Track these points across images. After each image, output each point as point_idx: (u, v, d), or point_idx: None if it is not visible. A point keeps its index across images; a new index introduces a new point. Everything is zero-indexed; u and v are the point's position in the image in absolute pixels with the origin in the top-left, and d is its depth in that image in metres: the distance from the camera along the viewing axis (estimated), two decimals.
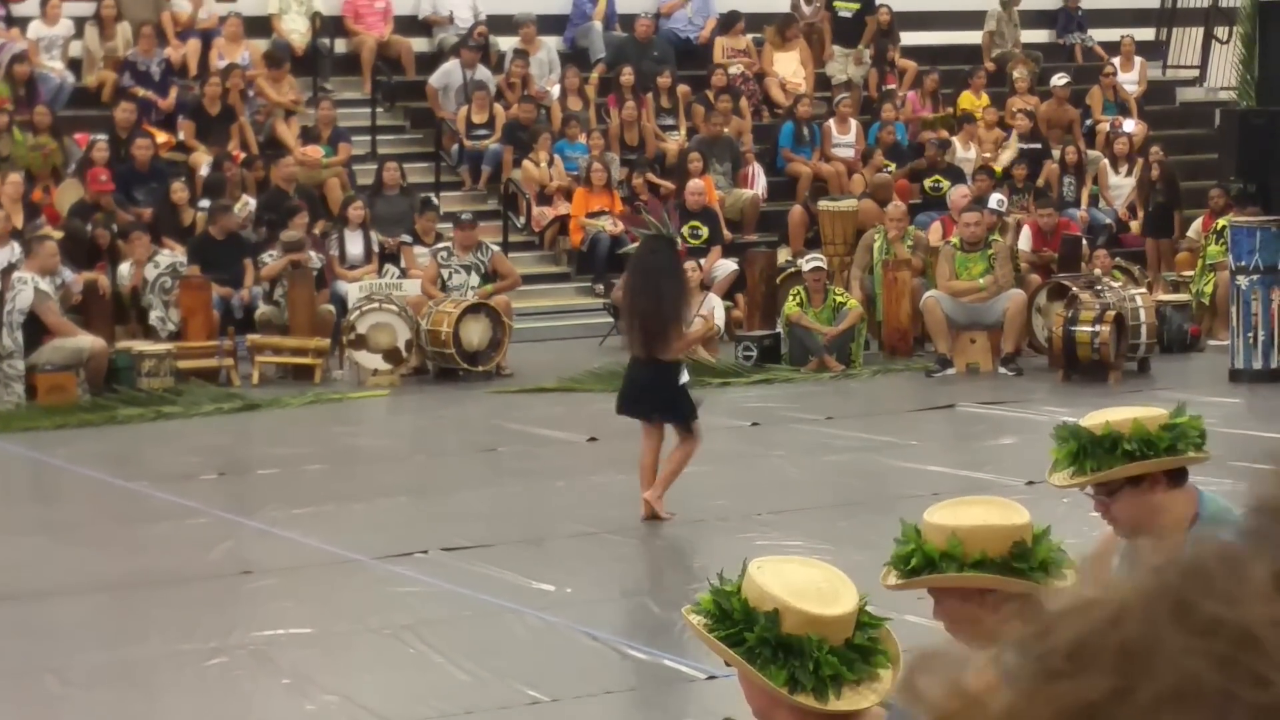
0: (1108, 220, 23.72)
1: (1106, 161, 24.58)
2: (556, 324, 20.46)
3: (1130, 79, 26.97)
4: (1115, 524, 5.40)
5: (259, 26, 24.08)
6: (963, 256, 19.02)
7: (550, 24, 25.57)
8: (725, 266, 21.15)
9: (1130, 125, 25.57)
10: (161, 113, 22.47)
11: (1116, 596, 1.09)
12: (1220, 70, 28.39)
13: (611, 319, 19.63)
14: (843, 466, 14.08)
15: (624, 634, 9.68)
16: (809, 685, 3.89)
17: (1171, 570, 1.10)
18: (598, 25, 25.60)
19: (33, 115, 21.05)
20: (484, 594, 10.48)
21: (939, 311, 18.79)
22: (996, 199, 20.89)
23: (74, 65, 23.14)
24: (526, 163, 22.96)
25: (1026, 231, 21.02)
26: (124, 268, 19.21)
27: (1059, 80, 25.70)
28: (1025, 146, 24.32)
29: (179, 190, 20.47)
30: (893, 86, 25.69)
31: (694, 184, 21.68)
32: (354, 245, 20.48)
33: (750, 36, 25.87)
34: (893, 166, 23.54)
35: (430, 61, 24.84)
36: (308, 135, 22.66)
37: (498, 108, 23.77)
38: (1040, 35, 28.53)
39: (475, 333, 18.60)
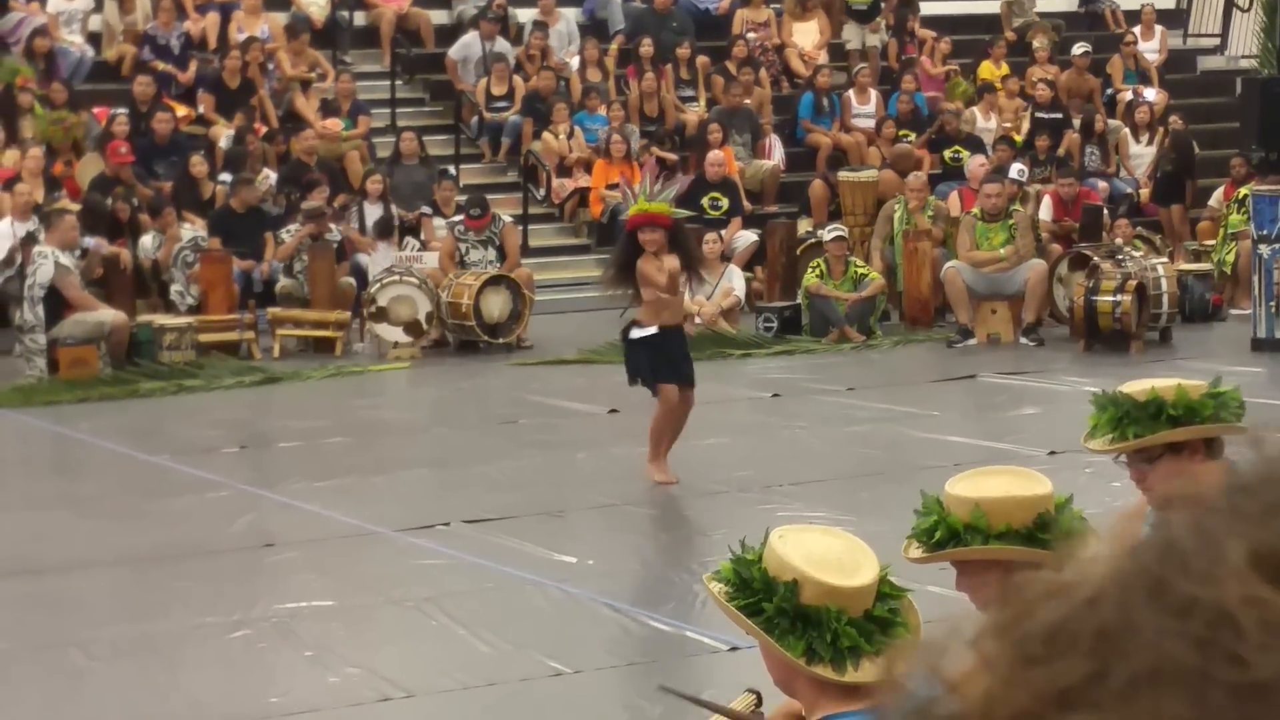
0: (1128, 190, 23.65)
1: (1127, 131, 24.50)
2: (577, 296, 20.44)
3: (1151, 48, 26.88)
4: (1150, 493, 5.38)
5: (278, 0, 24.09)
6: (983, 227, 18.98)
7: None
8: (745, 238, 21.12)
9: (1151, 94, 25.49)
10: (181, 86, 22.48)
11: (1095, 578, 1.09)
12: (1241, 38, 28.30)
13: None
14: (864, 437, 14.07)
15: (646, 605, 9.69)
16: (827, 656, 3.89)
17: (1148, 550, 1.09)
18: None
19: (50, 90, 21.07)
20: (506, 566, 10.49)
21: (960, 282, 18.76)
22: (1017, 168, 20.83)
23: (94, 39, 23.17)
24: (546, 135, 22.94)
25: (1047, 201, 20.97)
26: (146, 240, 19.24)
27: (1079, 50, 25.63)
28: (1045, 116, 24.25)
29: (199, 164, 20.49)
30: (913, 55, 25.63)
31: (714, 155, 21.65)
32: (374, 218, 20.50)
33: (772, 8, 25.82)
34: (912, 136, 23.49)
35: (449, 34, 24.82)
36: (327, 108, 22.66)
37: (517, 80, 23.75)
38: (1061, 4, 28.46)
39: (496, 305, 18.60)
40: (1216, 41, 28.69)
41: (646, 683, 8.51)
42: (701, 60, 24.65)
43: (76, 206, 18.84)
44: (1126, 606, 1.07)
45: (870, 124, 24.09)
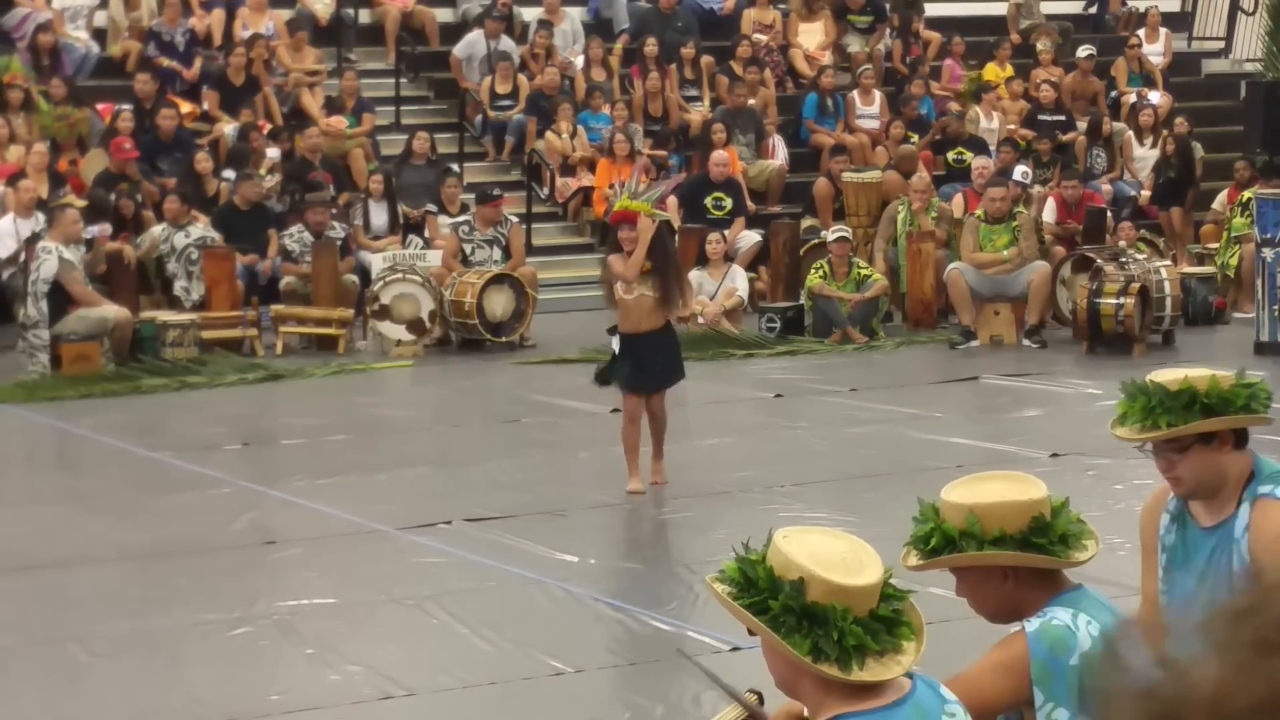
0: (1132, 192, 23.65)
1: (1131, 133, 24.50)
2: (580, 295, 20.42)
3: (1155, 50, 26.88)
4: (1178, 483, 5.37)
5: None
6: (987, 228, 18.98)
7: None
8: (749, 238, 21.12)
9: (1155, 97, 25.49)
10: (186, 83, 22.48)
11: None
12: (1246, 42, 28.29)
13: None
14: (866, 438, 14.07)
15: (647, 605, 9.68)
16: (833, 655, 3.89)
17: None
18: None
19: (50, 86, 21.06)
20: (507, 564, 10.49)
21: (963, 283, 18.76)
22: (1021, 171, 20.83)
23: (99, 35, 23.16)
24: (550, 134, 22.94)
25: (1051, 203, 20.97)
26: (156, 231, 19.21)
27: (1084, 52, 25.64)
28: (1048, 118, 24.25)
29: (203, 160, 20.50)
30: (917, 57, 25.63)
31: (718, 155, 21.64)
32: (378, 216, 20.52)
33: (778, 9, 25.83)
34: (916, 138, 23.48)
35: (454, 32, 24.83)
36: (332, 106, 22.67)
37: (521, 78, 23.76)
38: (1067, 7, 28.47)
39: (499, 304, 18.60)
40: (1221, 45, 28.69)
41: (648, 682, 8.51)
42: (706, 60, 24.65)
43: (81, 202, 18.83)
44: None
45: (874, 125, 24.09)
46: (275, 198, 20.49)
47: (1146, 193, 23.59)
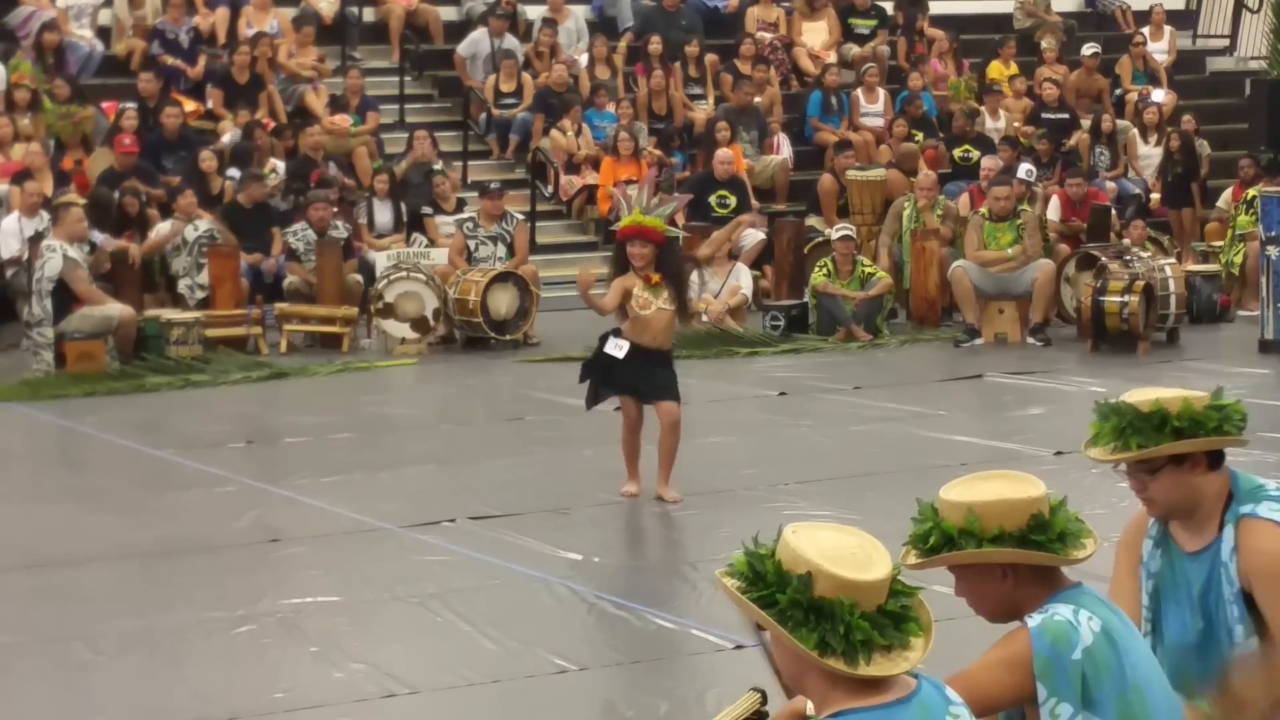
0: (1137, 190, 23.64)
1: (1136, 131, 24.49)
2: None
3: (1160, 48, 26.87)
4: (1151, 504, 5.38)
5: None
6: (991, 226, 18.98)
7: None
8: (753, 236, 21.11)
9: (1160, 95, 25.48)
10: (190, 81, 22.48)
11: None
12: (1250, 40, 28.29)
13: None
14: (870, 436, 14.06)
15: (651, 603, 9.67)
16: (839, 649, 3.90)
17: None
18: None
19: (54, 85, 21.06)
20: (511, 562, 10.49)
21: (967, 281, 18.75)
22: (1026, 169, 20.82)
23: (103, 34, 23.17)
24: (554, 132, 22.94)
25: (1055, 201, 20.96)
26: (164, 227, 19.20)
27: (1088, 50, 25.62)
28: (1052, 116, 24.24)
29: (207, 159, 20.49)
30: (922, 54, 25.61)
31: (722, 153, 21.63)
32: (382, 214, 20.52)
33: (782, 7, 25.82)
34: (920, 136, 23.47)
35: (458, 30, 24.84)
36: (336, 104, 22.66)
37: (526, 77, 23.76)
38: (1071, 4, 28.46)
39: (503, 302, 18.60)
40: (1226, 42, 28.68)
41: (652, 680, 8.51)
42: (710, 58, 24.65)
43: (83, 201, 18.83)
44: None
45: (879, 123, 24.08)
46: (279, 196, 20.49)
47: (1156, 195, 23.59)
